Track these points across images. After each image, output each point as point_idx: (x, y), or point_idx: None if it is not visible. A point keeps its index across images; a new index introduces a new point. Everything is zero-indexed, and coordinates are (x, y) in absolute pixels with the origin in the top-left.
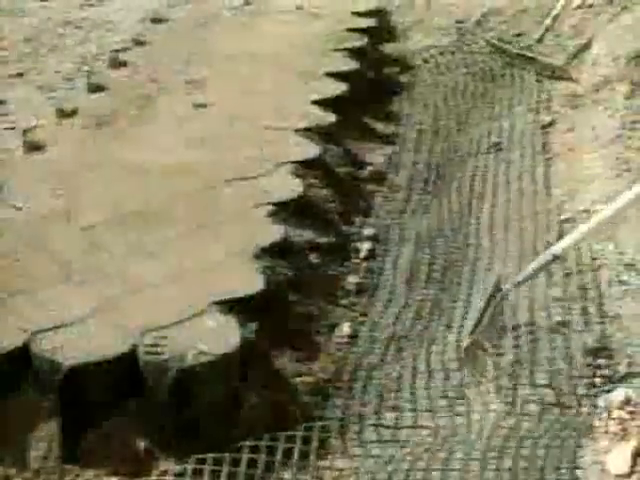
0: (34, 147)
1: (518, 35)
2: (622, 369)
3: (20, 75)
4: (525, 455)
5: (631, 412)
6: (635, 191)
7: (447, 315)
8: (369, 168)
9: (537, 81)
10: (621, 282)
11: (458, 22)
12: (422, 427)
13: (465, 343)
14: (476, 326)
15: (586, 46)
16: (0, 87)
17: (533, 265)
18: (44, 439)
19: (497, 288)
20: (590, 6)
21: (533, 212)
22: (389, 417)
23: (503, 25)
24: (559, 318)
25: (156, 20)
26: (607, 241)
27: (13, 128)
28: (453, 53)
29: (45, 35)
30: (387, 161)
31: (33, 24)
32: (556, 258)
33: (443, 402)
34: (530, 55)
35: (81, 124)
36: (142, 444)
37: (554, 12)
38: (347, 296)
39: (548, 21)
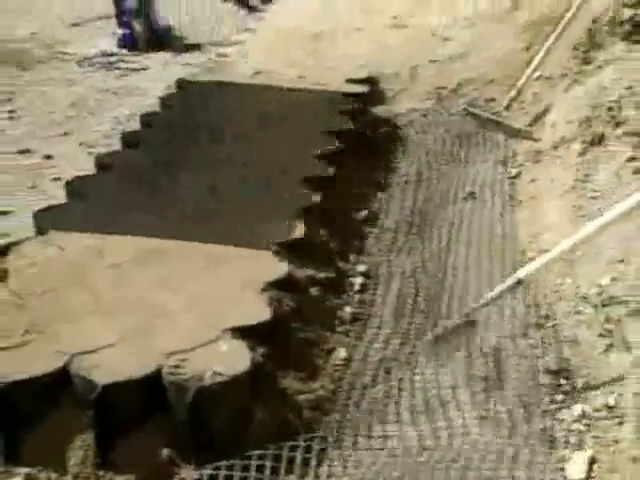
0: (76, 195)
1: (489, 101)
2: (579, 387)
3: (66, 134)
4: (495, 462)
5: (587, 425)
6: (588, 228)
7: (428, 340)
8: (363, 213)
9: (505, 140)
10: (577, 312)
11: (437, 89)
12: (407, 438)
13: (432, 335)
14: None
15: (545, 112)
16: (49, 144)
17: (499, 288)
18: (81, 448)
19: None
20: (548, 78)
21: (502, 251)
22: (379, 429)
23: (475, 92)
24: (526, 343)
25: (181, 87)
26: (565, 276)
27: (58, 179)
28: (433, 115)
29: (88, 100)
30: (377, 207)
31: (78, 91)
32: (520, 283)
33: (428, 417)
34: (499, 119)
35: (116, 176)
36: (165, 453)
37: (519, 84)
38: (343, 324)
39: (514, 92)
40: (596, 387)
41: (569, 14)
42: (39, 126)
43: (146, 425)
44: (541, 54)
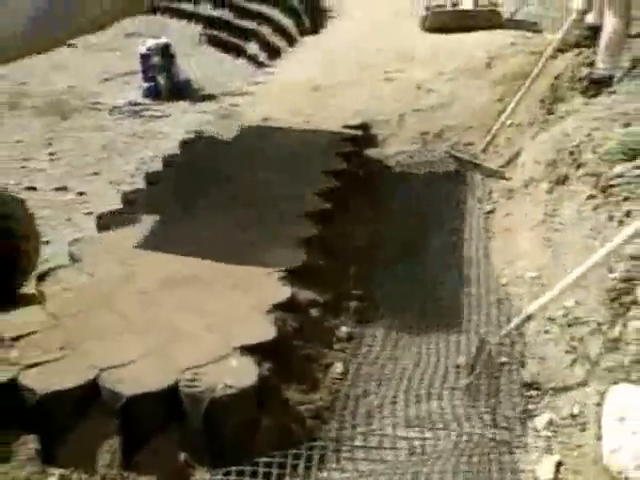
0: (105, 228)
1: (468, 145)
2: (547, 398)
3: (96, 174)
4: (475, 464)
5: (554, 431)
6: (584, 266)
7: (415, 356)
8: (356, 243)
9: (482, 179)
10: (545, 332)
11: (422, 134)
12: (397, 448)
13: (468, 380)
14: (472, 370)
15: (517, 154)
16: (82, 182)
17: (512, 324)
18: (108, 452)
19: (483, 342)
20: (518, 125)
21: (482, 277)
22: (372, 437)
23: (456, 137)
24: (502, 359)
25: (197, 132)
26: (534, 300)
27: (91, 213)
28: (419, 157)
29: (116, 144)
30: (370, 238)
31: (109, 136)
32: (530, 318)
33: (415, 426)
34: (476, 161)
35: (140, 210)
36: (182, 457)
37: (494, 130)
38: (340, 342)
39: (489, 137)
40: (563, 391)
41: (535, 71)
42: (75, 167)
43: (165, 432)
44: (512, 105)
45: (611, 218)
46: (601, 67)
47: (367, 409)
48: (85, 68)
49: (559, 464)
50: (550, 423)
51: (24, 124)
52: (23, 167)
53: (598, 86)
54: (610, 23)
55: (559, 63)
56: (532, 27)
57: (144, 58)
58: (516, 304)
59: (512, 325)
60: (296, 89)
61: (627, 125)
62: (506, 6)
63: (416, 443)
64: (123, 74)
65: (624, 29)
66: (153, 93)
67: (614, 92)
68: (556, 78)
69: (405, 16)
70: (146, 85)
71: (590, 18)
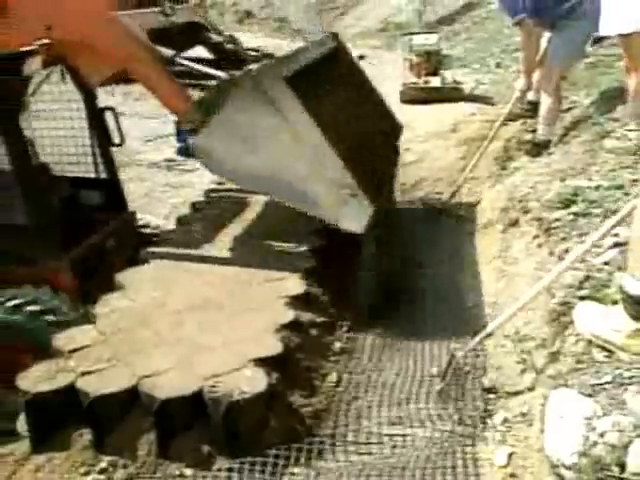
0: (145, 261)
1: (438, 194)
2: (502, 400)
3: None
4: (445, 454)
5: (508, 427)
6: (530, 292)
7: (397, 367)
8: (349, 273)
9: (450, 222)
10: (502, 346)
11: (401, 185)
12: (382, 443)
13: (440, 386)
14: (443, 378)
15: (477, 202)
16: None
17: (475, 339)
18: (147, 443)
19: (452, 355)
20: (478, 178)
21: (450, 301)
22: (361, 434)
23: (428, 188)
24: (466, 368)
25: (219, 184)
26: (492, 320)
27: None
28: (399, 204)
29: (155, 192)
30: (360, 269)
31: (148, 186)
32: (489, 334)
33: (397, 425)
34: (445, 208)
35: (172, 246)
36: (206, 449)
37: (458, 182)
38: (334, 355)
39: (455, 187)
40: (515, 394)
41: (490, 135)
42: None
43: (192, 428)
44: (473, 162)
45: (552, 254)
46: (541, 133)
47: (357, 411)
48: (133, 131)
49: (511, 453)
50: (505, 420)
51: None
52: None
53: (539, 148)
54: (545, 100)
55: (509, 129)
56: (487, 101)
57: (177, 124)
58: (478, 324)
59: (476, 340)
60: None
61: (563, 180)
62: (466, 84)
63: (397, 438)
64: (161, 136)
65: (556, 105)
66: (184, 151)
67: (552, 153)
68: (507, 141)
69: (388, 92)
70: (179, 145)
71: (530, 95)
